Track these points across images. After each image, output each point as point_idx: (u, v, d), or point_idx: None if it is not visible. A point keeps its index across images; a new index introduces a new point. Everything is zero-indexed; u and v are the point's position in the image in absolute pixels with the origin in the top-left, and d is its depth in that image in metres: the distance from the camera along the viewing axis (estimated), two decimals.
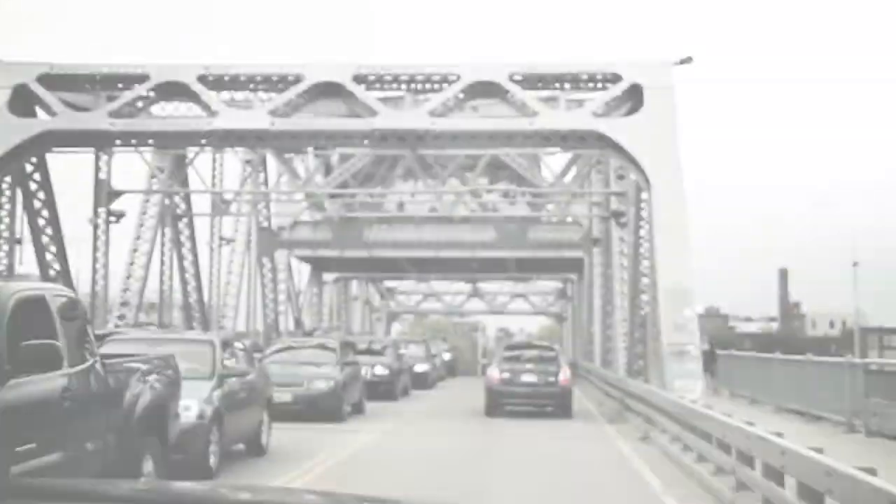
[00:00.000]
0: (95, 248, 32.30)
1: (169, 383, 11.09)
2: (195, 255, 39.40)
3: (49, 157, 29.46)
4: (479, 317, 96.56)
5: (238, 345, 31.81)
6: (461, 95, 27.86)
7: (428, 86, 28.10)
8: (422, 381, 37.21)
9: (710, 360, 27.71)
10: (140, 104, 27.65)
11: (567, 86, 28.22)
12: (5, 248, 29.00)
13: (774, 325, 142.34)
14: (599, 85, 27.82)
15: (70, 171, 33.53)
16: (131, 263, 34.96)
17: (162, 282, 37.75)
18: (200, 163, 42.79)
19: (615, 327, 35.54)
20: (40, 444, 7.88)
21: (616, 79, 27.23)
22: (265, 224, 47.50)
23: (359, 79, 27.34)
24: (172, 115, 30.04)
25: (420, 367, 38.08)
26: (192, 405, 13.58)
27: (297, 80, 27.24)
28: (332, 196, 44.41)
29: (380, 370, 30.55)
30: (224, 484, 14.08)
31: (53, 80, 26.86)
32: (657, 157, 25.59)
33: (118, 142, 27.74)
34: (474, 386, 38.19)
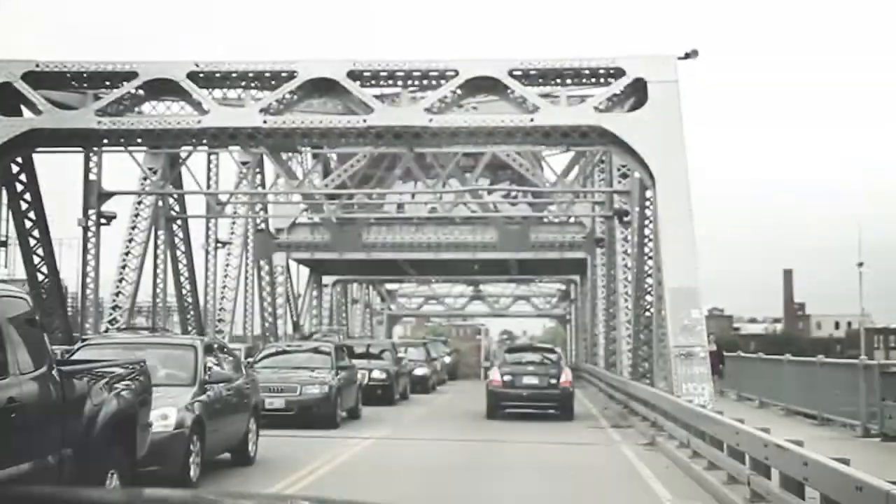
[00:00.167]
0: (86, 251, 31.50)
1: (138, 391, 10.28)
2: (190, 258, 38.57)
3: (38, 157, 28.69)
4: (481, 319, 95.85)
5: (234, 348, 31.12)
6: (459, 92, 27.02)
7: (425, 82, 27.26)
8: (421, 385, 36.40)
9: (717, 362, 26.86)
10: (129, 102, 26.82)
11: (569, 81, 27.33)
12: None
13: (778, 327, 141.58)
14: (602, 80, 26.98)
15: (61, 173, 32.75)
16: (123, 266, 34.10)
17: (155, 285, 36.94)
18: (195, 165, 42.29)
19: (619, 329, 34.73)
20: None
21: (619, 73, 26.40)
22: (262, 226, 46.77)
23: (354, 75, 26.51)
24: (164, 114, 29.20)
25: (419, 371, 37.26)
26: (170, 414, 12.81)
27: (291, 76, 26.41)
28: (331, 197, 43.65)
29: (377, 374, 29.74)
30: (210, 491, 13.31)
31: (39, 78, 26.04)
32: (662, 152, 24.75)
33: (106, 141, 26.88)
34: (475, 389, 37.40)
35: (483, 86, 26.92)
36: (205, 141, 26.87)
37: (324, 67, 26.46)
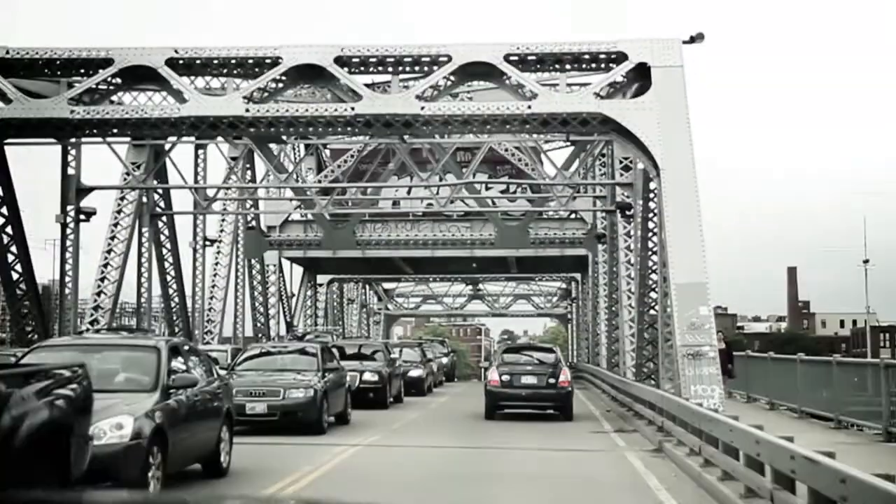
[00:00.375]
0: (64, 249, 30.16)
1: (75, 399, 8.93)
2: (176, 257, 37.23)
3: (14, 153, 27.39)
4: (482, 319, 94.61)
5: (220, 350, 29.71)
6: (452, 79, 25.71)
7: (417, 68, 25.92)
8: (416, 387, 35.04)
9: (725, 362, 25.50)
10: (105, 91, 25.49)
11: (568, 67, 25.96)
12: None
13: (783, 325, 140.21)
14: (603, 65, 25.64)
15: (38, 167, 31.33)
16: (105, 265, 32.78)
17: (140, 284, 35.59)
18: (183, 160, 40.94)
19: (622, 328, 33.41)
20: None
21: (621, 58, 25.06)
22: (253, 224, 45.48)
23: (341, 61, 25.16)
24: (142, 104, 27.87)
25: (414, 373, 35.88)
26: (125, 423, 11.48)
27: (275, 63, 25.06)
28: (324, 193, 42.32)
29: (369, 376, 28.36)
30: (196, 494, 11.99)
31: (9, 66, 24.69)
32: (667, 140, 23.42)
33: (80, 131, 25.54)
34: (473, 391, 36.12)
35: (478, 72, 25.62)
36: (184, 131, 25.44)
37: (310, 53, 25.12)
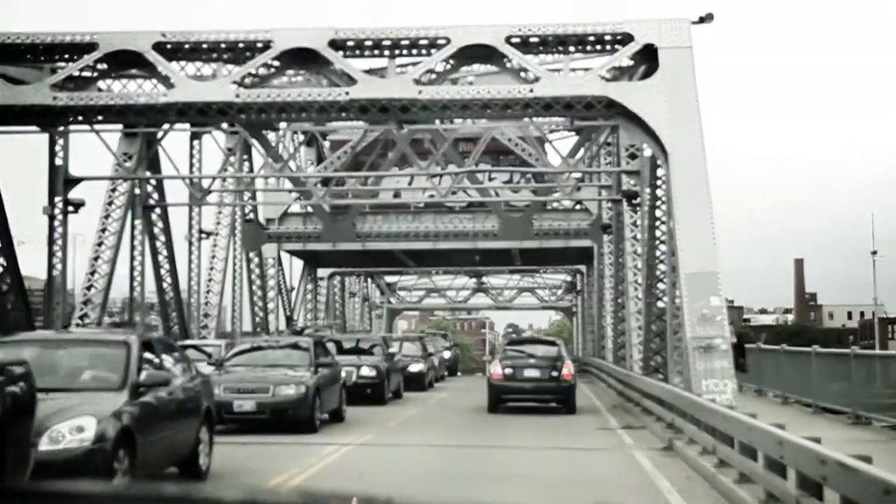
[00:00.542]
0: (52, 242, 29.19)
1: (12, 400, 7.95)
2: (171, 250, 36.21)
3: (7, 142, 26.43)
4: (486, 313, 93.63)
5: (215, 345, 28.75)
6: (451, 62, 24.71)
7: (414, 51, 24.89)
8: (416, 383, 34.02)
9: (737, 356, 24.47)
10: (90, 77, 24.53)
11: (572, 49, 24.93)
12: None
13: (790, 317, 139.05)
14: (608, 47, 24.60)
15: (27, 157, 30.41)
16: (96, 258, 31.83)
17: (132, 278, 34.62)
18: (177, 151, 39.99)
19: (629, 320, 32.39)
20: None
21: (627, 39, 24.04)
22: (251, 216, 44.51)
23: (336, 44, 24.18)
24: (132, 90, 26.89)
25: (415, 367, 34.86)
26: (87, 425, 10.51)
27: (266, 46, 24.07)
28: (323, 183, 41.36)
29: (366, 371, 27.36)
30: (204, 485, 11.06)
31: None
32: (675, 123, 22.39)
33: (63, 118, 24.56)
34: (475, 386, 35.14)
35: (478, 55, 24.60)
36: (172, 117, 24.44)
37: (303, 36, 24.14)
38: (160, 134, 32.31)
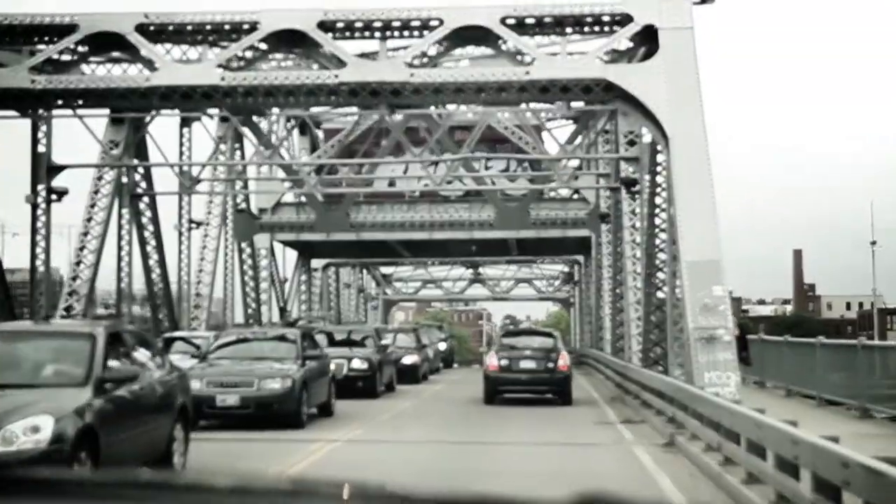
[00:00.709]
0: (35, 231, 28.43)
1: None
2: (159, 240, 35.36)
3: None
4: (484, 304, 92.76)
5: (203, 337, 27.97)
6: (445, 44, 23.93)
7: (406, 33, 24.14)
8: (410, 375, 33.23)
9: (741, 349, 23.72)
10: (70, 60, 23.73)
11: (569, 30, 24.17)
12: None
13: (788, 308, 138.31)
14: (607, 28, 23.89)
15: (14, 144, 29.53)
16: (81, 248, 30.99)
17: (120, 269, 33.82)
18: (167, 140, 39.07)
19: (627, 311, 31.61)
20: None
21: (626, 20, 23.29)
22: (243, 206, 43.70)
23: (325, 26, 23.42)
24: (114, 74, 26.05)
25: (408, 359, 34.08)
26: (43, 424, 9.74)
27: (253, 28, 23.33)
28: (317, 172, 40.55)
29: (357, 364, 26.58)
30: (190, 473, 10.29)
31: None
32: (676, 107, 21.63)
33: (42, 103, 23.76)
34: (471, 378, 34.39)
35: (472, 36, 23.85)
36: (155, 101, 23.63)
37: (290, 18, 23.39)
38: (147, 119, 31.47)
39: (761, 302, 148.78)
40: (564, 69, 23.07)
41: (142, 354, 12.64)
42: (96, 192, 31.87)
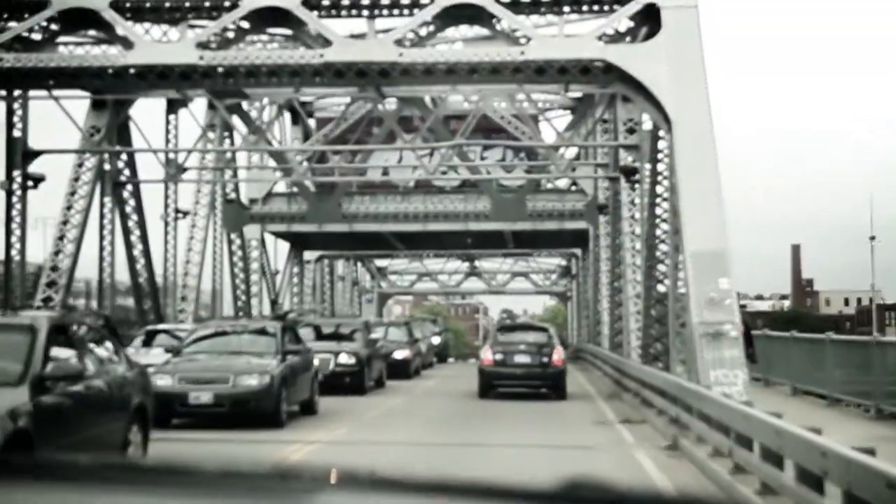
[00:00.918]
0: (10, 220, 27.28)
1: None
2: (143, 229, 34.20)
3: None
4: (480, 298, 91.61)
5: (189, 330, 26.81)
6: (436, 23, 22.73)
7: (395, 11, 22.93)
8: (401, 370, 32.08)
9: (746, 346, 22.52)
10: (42, 39, 22.51)
11: (567, 9, 22.99)
12: None
13: (786, 303, 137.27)
14: (607, 7, 22.69)
15: None
16: (60, 237, 29.83)
17: (101, 259, 32.66)
18: (152, 127, 37.94)
19: (626, 305, 30.51)
20: None
21: None
22: (232, 196, 42.50)
23: (310, 3, 22.18)
24: (88, 52, 24.85)
25: (399, 354, 32.93)
26: None
27: (234, 5, 22.11)
28: (307, 159, 39.41)
29: (344, 359, 25.42)
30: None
31: None
32: (680, 89, 20.42)
33: (10, 83, 22.58)
34: (465, 373, 33.27)
35: (464, 14, 22.59)
36: (129, 81, 22.44)
37: None
38: (130, 103, 30.30)
39: (759, 297, 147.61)
40: (562, 49, 21.89)
41: (97, 349, 11.49)
42: (76, 180, 30.72)
